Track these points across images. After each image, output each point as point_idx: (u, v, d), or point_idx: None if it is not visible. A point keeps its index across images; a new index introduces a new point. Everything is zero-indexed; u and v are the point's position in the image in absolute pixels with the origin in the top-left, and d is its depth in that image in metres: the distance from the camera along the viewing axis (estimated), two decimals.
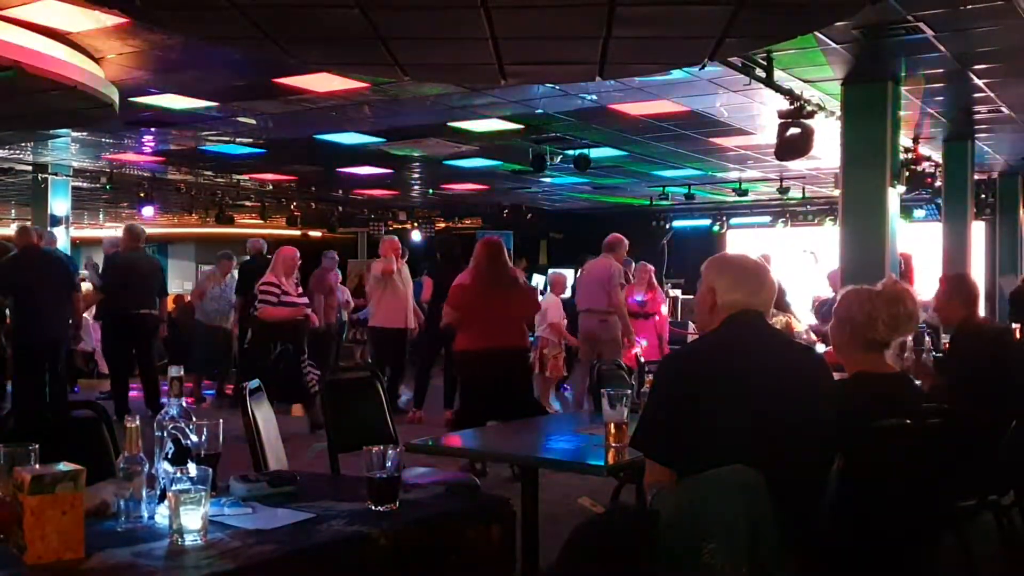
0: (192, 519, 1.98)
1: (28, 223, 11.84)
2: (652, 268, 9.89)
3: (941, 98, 8.65)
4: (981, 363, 4.21)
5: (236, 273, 10.45)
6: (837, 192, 8.20)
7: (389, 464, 2.30)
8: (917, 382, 4.52)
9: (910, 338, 5.26)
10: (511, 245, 19.02)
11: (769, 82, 7.10)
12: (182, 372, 2.41)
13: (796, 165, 11.52)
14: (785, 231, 17.00)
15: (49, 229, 11.99)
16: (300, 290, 8.30)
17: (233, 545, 1.99)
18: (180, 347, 10.46)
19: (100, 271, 9.75)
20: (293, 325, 7.92)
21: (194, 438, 2.29)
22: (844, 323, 2.94)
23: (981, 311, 5.46)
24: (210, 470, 2.13)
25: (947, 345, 6.02)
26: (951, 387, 4.43)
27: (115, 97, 8.00)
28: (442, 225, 20.81)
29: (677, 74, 7.64)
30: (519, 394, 6.23)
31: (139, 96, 8.68)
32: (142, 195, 14.33)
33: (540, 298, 7.86)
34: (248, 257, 10.45)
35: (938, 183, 10.58)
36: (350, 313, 12.95)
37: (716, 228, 17.79)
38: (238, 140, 11.41)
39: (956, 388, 4.31)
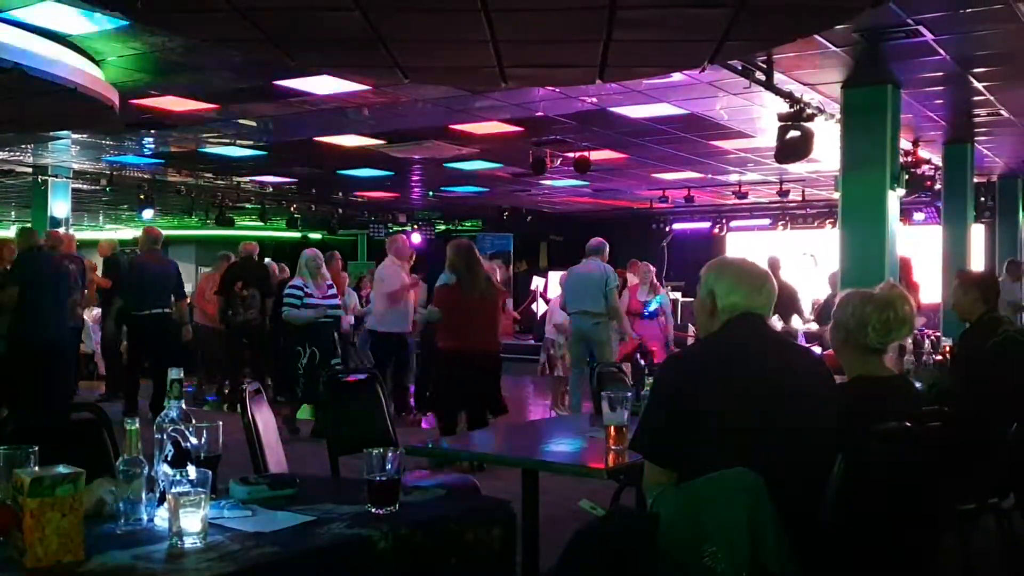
0: (192, 522, 1.98)
1: (28, 225, 11.86)
2: (653, 268, 9.92)
3: (941, 101, 8.66)
4: (991, 359, 4.21)
5: None
6: (837, 195, 8.21)
7: (389, 466, 2.30)
8: (918, 384, 4.54)
9: (909, 341, 5.28)
10: (511, 247, 19.04)
11: (769, 85, 7.10)
12: (182, 374, 2.41)
13: (796, 168, 11.52)
14: (785, 234, 17.02)
15: (66, 231, 12.07)
16: (331, 290, 8.18)
17: (233, 548, 1.98)
18: (181, 349, 10.43)
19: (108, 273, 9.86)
20: (320, 328, 7.89)
21: (194, 440, 2.29)
22: (839, 327, 2.94)
23: None
24: (210, 472, 2.12)
25: (948, 349, 6.03)
26: (957, 380, 4.43)
27: (115, 99, 8.00)
28: (442, 228, 20.82)
29: (677, 77, 7.64)
30: (488, 393, 6.62)
31: (139, 98, 8.69)
32: (142, 197, 14.34)
33: (544, 303, 7.92)
34: (240, 259, 10.43)
35: (938, 186, 10.59)
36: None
37: (716, 231, 17.80)
38: (238, 142, 11.42)
39: (961, 384, 4.31)
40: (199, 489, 2.01)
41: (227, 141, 11.33)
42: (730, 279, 2.63)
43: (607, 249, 8.65)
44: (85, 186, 14.40)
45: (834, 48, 6.78)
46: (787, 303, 8.42)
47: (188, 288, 16.81)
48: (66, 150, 12.30)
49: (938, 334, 6.94)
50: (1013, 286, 10.89)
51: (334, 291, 8.26)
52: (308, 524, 2.18)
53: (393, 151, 11.84)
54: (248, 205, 17.19)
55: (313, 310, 7.87)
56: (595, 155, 11.57)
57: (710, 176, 13.97)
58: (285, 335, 8.22)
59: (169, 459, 2.23)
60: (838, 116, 7.99)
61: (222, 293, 9.77)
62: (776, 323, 7.81)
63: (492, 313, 6.66)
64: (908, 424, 2.67)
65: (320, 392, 7.62)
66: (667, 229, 18.23)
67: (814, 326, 8.92)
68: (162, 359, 8.86)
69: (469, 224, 20.52)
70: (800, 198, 15.86)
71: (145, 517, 2.11)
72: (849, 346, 2.92)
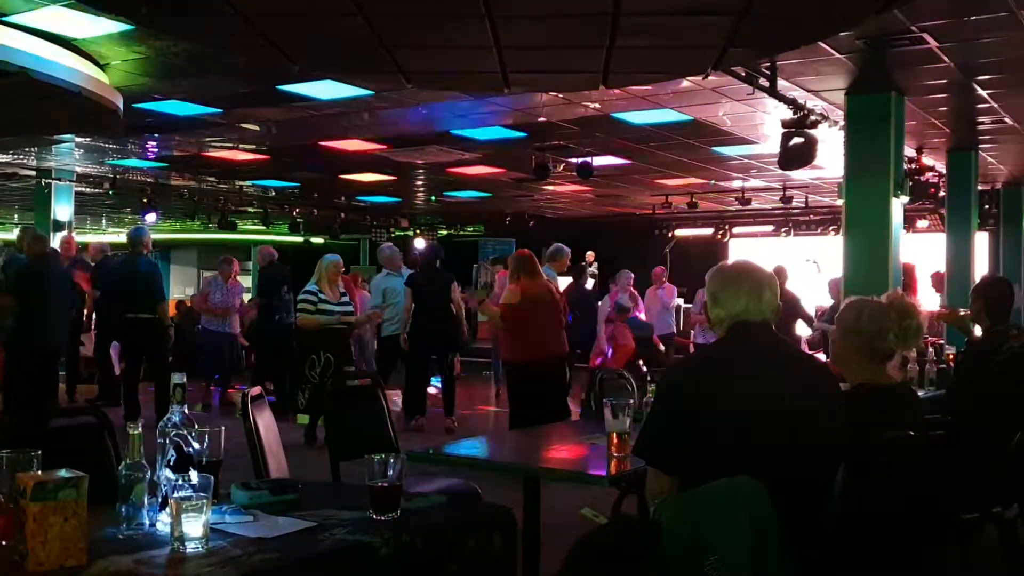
0: (194, 527, 1.98)
1: (26, 228, 11.87)
2: (632, 275, 10.05)
3: (945, 108, 8.65)
4: (995, 372, 4.22)
5: (239, 279, 10.57)
6: (840, 202, 8.19)
7: (391, 473, 2.30)
8: (919, 392, 4.53)
9: (913, 349, 5.28)
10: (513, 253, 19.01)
11: (772, 92, 7.10)
12: (184, 379, 2.40)
13: (799, 174, 11.52)
14: (788, 240, 17.00)
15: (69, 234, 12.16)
16: (344, 297, 8.11)
17: (235, 553, 1.98)
18: (183, 353, 10.44)
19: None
20: (333, 334, 7.83)
21: (196, 445, 2.28)
22: (851, 334, 2.93)
23: None
24: (212, 477, 2.12)
25: (951, 357, 6.02)
26: (960, 390, 4.42)
27: (120, 103, 8.02)
28: (444, 232, 20.82)
29: (681, 83, 7.65)
30: (559, 397, 6.65)
31: (143, 102, 8.70)
32: (145, 200, 14.35)
33: None
34: (267, 264, 10.48)
35: (941, 193, 10.58)
36: None
37: (719, 237, 17.78)
38: (241, 146, 11.43)
39: (965, 393, 4.30)
40: (201, 494, 2.01)
41: (230, 145, 11.34)
42: (729, 285, 2.62)
43: (564, 254, 8.45)
44: (88, 189, 14.40)
45: (838, 55, 6.77)
46: (789, 311, 8.38)
47: (190, 291, 16.83)
48: (69, 153, 12.31)
49: (941, 341, 6.92)
50: None
51: (347, 298, 8.20)
52: (309, 530, 2.18)
53: (396, 156, 11.84)
54: (250, 209, 17.20)
55: (325, 316, 7.80)
56: (598, 160, 11.56)
57: (713, 182, 13.97)
58: (298, 341, 8.11)
59: (171, 464, 2.23)
60: (842, 123, 7.99)
61: (267, 297, 9.82)
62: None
63: (558, 317, 6.69)
64: (912, 433, 2.67)
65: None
66: (670, 235, 18.22)
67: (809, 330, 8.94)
68: (158, 364, 8.80)
69: (471, 229, 20.52)
70: (803, 204, 15.85)
71: (147, 522, 2.12)
72: (861, 352, 2.91)
